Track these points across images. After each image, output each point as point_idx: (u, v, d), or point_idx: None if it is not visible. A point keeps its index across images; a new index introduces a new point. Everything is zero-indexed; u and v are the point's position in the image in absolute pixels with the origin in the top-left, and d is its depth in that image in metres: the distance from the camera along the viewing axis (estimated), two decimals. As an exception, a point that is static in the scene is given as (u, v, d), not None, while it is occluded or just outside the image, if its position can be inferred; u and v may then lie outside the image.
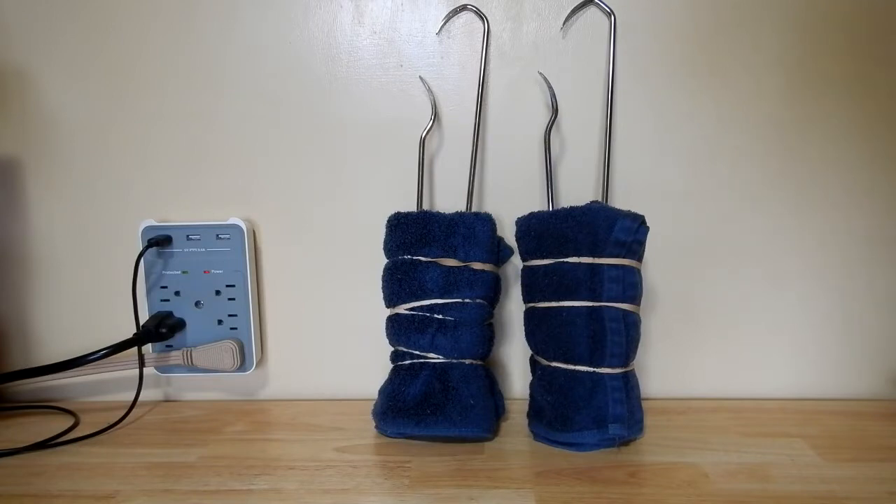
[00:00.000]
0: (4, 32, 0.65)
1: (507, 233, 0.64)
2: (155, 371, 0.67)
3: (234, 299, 0.66)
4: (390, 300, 0.60)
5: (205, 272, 0.66)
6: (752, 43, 0.63)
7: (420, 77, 0.65)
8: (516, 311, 0.68)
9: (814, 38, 0.62)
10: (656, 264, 0.67)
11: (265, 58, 0.65)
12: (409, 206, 0.64)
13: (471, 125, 0.64)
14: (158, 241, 0.64)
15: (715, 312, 0.67)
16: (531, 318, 0.59)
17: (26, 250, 0.69)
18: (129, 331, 0.64)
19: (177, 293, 0.66)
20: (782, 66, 0.63)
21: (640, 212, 0.56)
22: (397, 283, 0.59)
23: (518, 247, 0.61)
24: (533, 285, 0.58)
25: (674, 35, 0.63)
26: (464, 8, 0.63)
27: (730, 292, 0.67)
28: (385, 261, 0.61)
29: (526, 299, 0.60)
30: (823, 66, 0.63)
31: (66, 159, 0.67)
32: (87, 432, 0.61)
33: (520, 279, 0.61)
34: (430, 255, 0.58)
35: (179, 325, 0.66)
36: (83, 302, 0.69)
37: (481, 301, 0.59)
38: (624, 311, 0.55)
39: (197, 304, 0.66)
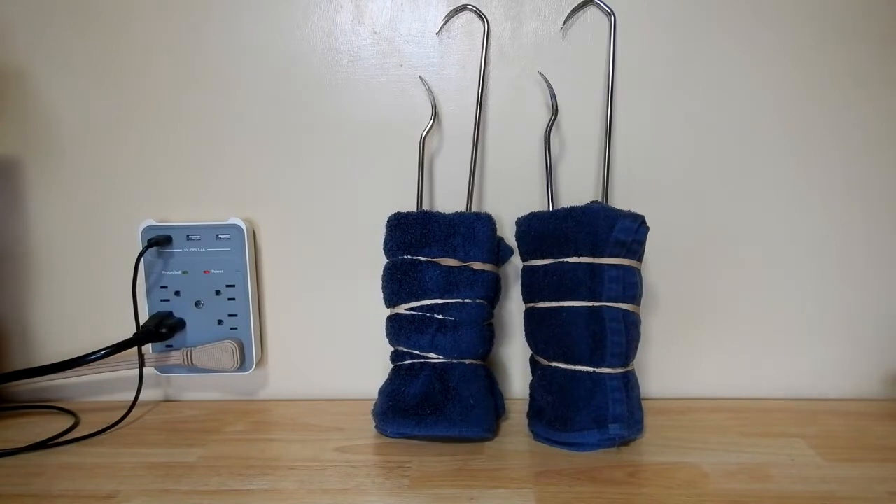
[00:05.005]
0: (5, 32, 0.65)
1: (507, 233, 0.64)
2: (155, 371, 0.67)
3: (234, 299, 0.66)
4: (390, 300, 0.60)
5: (205, 272, 0.66)
6: (751, 41, 0.63)
7: (420, 77, 0.65)
8: (516, 311, 0.68)
9: (815, 36, 0.62)
10: (656, 264, 0.67)
11: (265, 58, 0.65)
12: (409, 206, 0.64)
13: (471, 125, 0.64)
14: (158, 241, 0.64)
15: (715, 312, 0.67)
16: (531, 318, 0.59)
17: (26, 250, 0.69)
18: (129, 331, 0.64)
19: (177, 293, 0.66)
20: (783, 65, 0.63)
21: (640, 212, 0.56)
22: (397, 283, 0.59)
23: (518, 247, 0.61)
24: (533, 285, 0.58)
25: (674, 35, 0.63)
26: (464, 8, 0.63)
27: (729, 292, 0.67)
28: (385, 261, 0.61)
29: (526, 299, 0.60)
30: (826, 64, 0.63)
31: (67, 159, 0.67)
32: (87, 432, 0.61)
33: (520, 279, 0.61)
34: (430, 255, 0.58)
35: (179, 325, 0.66)
36: (83, 302, 0.69)
37: (481, 301, 0.59)
38: (624, 311, 0.55)
39: (197, 304, 0.66)
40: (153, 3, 0.64)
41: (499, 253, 0.61)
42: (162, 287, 0.66)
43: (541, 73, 0.64)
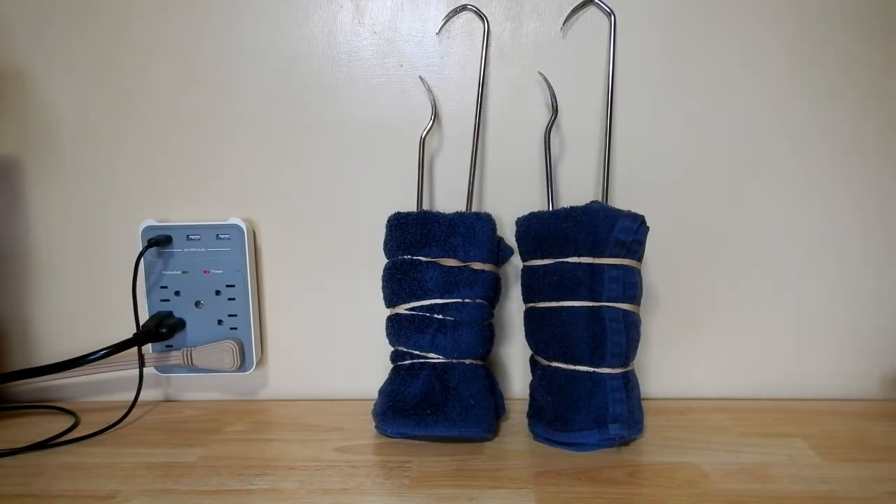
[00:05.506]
0: (5, 32, 0.65)
1: (507, 233, 0.64)
2: (155, 371, 0.67)
3: (234, 299, 0.66)
4: (390, 300, 0.60)
5: (205, 272, 0.66)
6: (751, 41, 0.63)
7: (420, 77, 0.65)
8: (516, 311, 0.68)
9: (816, 37, 0.62)
10: (656, 264, 0.67)
11: (265, 58, 0.65)
12: (409, 206, 0.64)
13: (471, 125, 0.64)
14: (158, 241, 0.64)
15: (715, 312, 0.67)
16: (531, 318, 0.59)
17: (26, 250, 0.69)
18: (129, 331, 0.64)
19: (177, 293, 0.66)
20: (783, 66, 0.63)
21: (640, 212, 0.56)
22: (397, 283, 0.59)
23: (518, 247, 0.61)
24: (533, 285, 0.58)
25: (674, 35, 0.63)
26: (464, 8, 0.63)
27: (730, 292, 0.67)
28: (385, 261, 0.61)
29: (526, 299, 0.60)
30: (826, 64, 0.63)
31: (67, 159, 0.67)
32: (87, 432, 0.61)
33: (520, 279, 0.61)
34: (430, 255, 0.58)
35: (179, 325, 0.66)
36: (83, 302, 0.69)
37: (481, 301, 0.59)
38: (624, 311, 0.55)
39: (197, 304, 0.66)
40: (153, 3, 0.64)
41: (499, 253, 0.61)
42: (162, 287, 0.66)
43: (541, 73, 0.64)
